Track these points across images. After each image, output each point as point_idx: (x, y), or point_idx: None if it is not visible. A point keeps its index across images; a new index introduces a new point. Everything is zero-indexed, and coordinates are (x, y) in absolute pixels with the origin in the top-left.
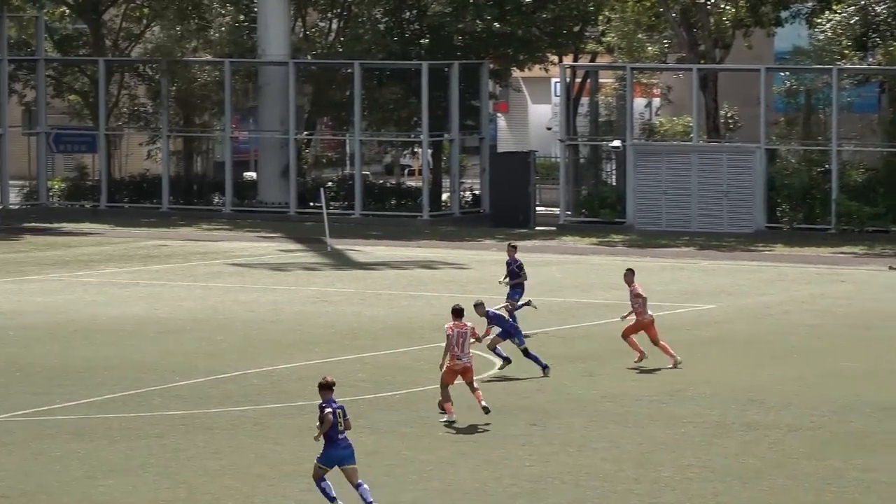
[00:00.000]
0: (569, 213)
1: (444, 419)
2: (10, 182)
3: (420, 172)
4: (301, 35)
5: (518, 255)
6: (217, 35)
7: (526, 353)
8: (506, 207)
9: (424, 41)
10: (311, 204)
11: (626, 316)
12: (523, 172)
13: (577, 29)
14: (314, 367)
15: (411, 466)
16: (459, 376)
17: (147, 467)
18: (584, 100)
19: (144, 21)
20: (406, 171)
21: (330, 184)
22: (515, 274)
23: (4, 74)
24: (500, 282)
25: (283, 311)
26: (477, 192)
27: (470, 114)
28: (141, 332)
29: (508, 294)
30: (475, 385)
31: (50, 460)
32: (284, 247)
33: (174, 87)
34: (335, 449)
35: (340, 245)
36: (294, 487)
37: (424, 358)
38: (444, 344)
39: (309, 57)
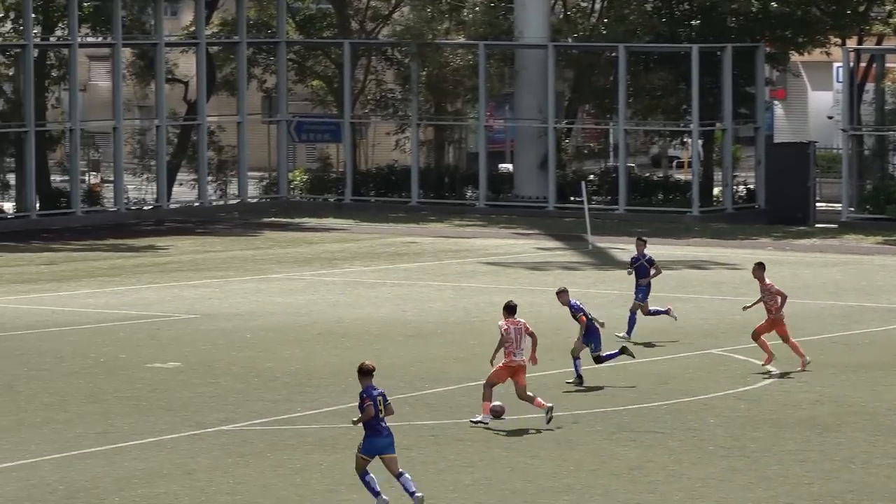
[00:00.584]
0: (852, 209)
1: (478, 419)
2: (249, 174)
3: (689, 165)
4: (561, 16)
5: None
6: (471, 16)
7: (598, 359)
8: (783, 203)
9: (695, 22)
10: (572, 199)
11: (750, 307)
12: (802, 165)
13: (861, 9)
14: (573, 375)
15: (678, 483)
16: (510, 378)
17: (394, 481)
18: (869, 86)
19: (393, 1)
20: (674, 164)
21: (592, 177)
22: (644, 270)
23: (243, 58)
24: (628, 273)
25: (541, 314)
26: (751, 187)
27: (744, 101)
28: (388, 336)
29: (636, 292)
30: (527, 391)
31: (290, 472)
32: (542, 244)
33: (424, 72)
34: (378, 437)
35: (602, 243)
36: None
37: (694, 366)
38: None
39: (570, 39)
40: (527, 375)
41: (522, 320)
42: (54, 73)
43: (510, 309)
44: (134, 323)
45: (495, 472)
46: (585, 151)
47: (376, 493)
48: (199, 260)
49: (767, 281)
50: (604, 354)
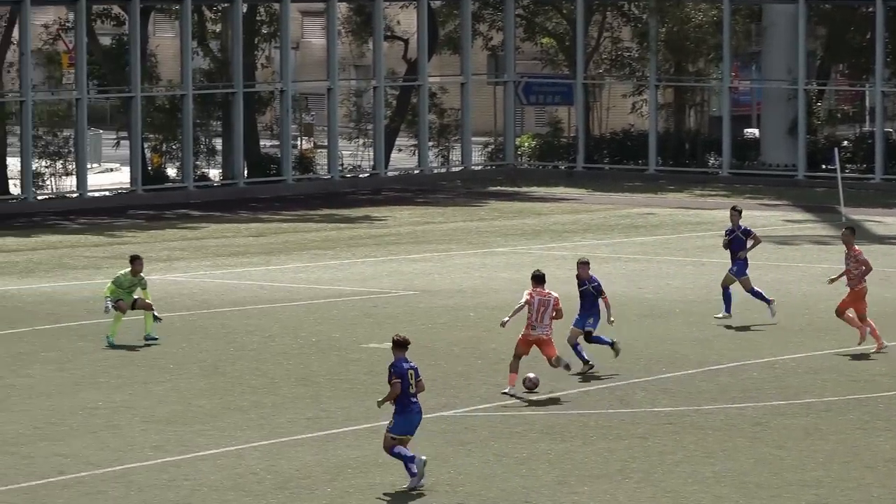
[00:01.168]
0: None
1: (506, 391)
2: (473, 139)
3: None
4: None
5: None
6: None
7: (589, 337)
8: None
9: None
10: (823, 167)
11: (835, 280)
12: None
13: None
14: (823, 359)
15: None
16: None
17: (628, 472)
18: None
19: None
20: None
21: (845, 143)
22: (740, 243)
23: (468, 14)
24: (724, 246)
25: (789, 293)
26: None
27: None
28: (623, 315)
29: (731, 267)
30: (556, 359)
31: (516, 462)
32: (791, 216)
33: (664, 29)
34: (409, 415)
35: (857, 215)
36: (800, 499)
37: None
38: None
39: None
40: None
41: (555, 294)
42: (264, 30)
43: (538, 279)
44: (348, 300)
45: (737, 463)
46: (839, 115)
47: (410, 458)
48: (418, 232)
49: (856, 248)
50: (596, 335)
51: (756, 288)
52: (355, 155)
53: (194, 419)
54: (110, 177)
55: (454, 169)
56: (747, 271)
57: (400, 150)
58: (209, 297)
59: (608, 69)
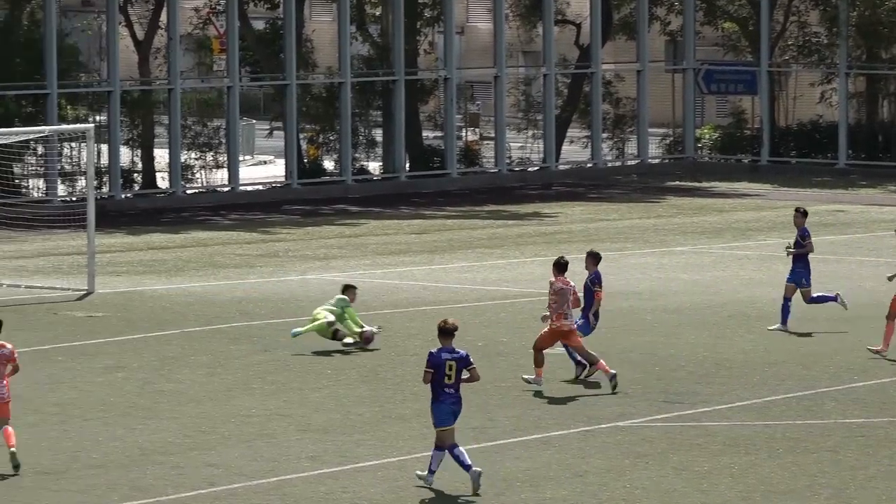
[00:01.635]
0: None
1: (529, 377)
2: (650, 130)
3: None
4: None
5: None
6: None
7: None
8: None
9: None
10: None
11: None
12: None
13: None
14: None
15: None
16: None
17: (816, 488)
18: None
19: None
20: None
21: None
22: (799, 245)
23: None
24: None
25: None
26: None
27: None
28: (812, 319)
29: (790, 273)
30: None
31: (696, 477)
32: None
33: (855, 13)
34: (441, 405)
35: None
36: None
37: None
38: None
39: None
40: None
41: (573, 284)
42: (427, 14)
43: (560, 266)
44: (516, 301)
45: None
46: None
47: (467, 467)
48: (591, 229)
49: None
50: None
51: (815, 295)
52: (524, 147)
53: (353, 428)
54: (263, 170)
55: (629, 162)
56: (802, 278)
57: (571, 143)
58: (368, 299)
59: (795, 56)
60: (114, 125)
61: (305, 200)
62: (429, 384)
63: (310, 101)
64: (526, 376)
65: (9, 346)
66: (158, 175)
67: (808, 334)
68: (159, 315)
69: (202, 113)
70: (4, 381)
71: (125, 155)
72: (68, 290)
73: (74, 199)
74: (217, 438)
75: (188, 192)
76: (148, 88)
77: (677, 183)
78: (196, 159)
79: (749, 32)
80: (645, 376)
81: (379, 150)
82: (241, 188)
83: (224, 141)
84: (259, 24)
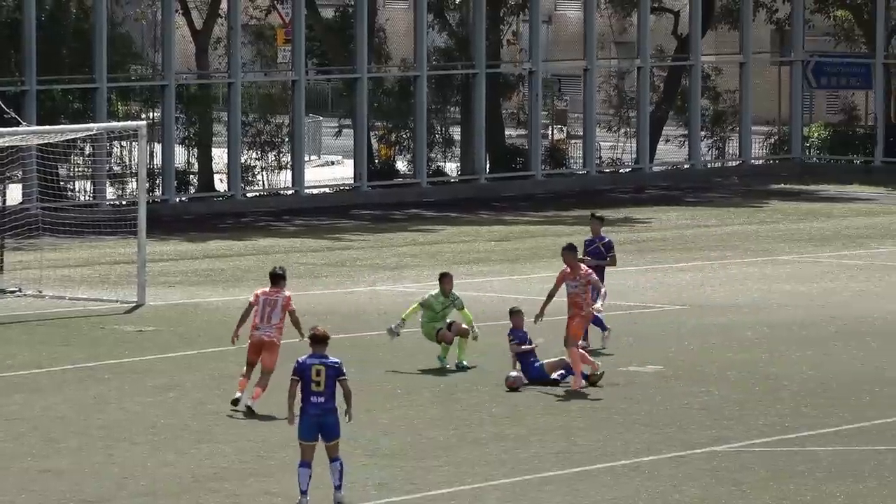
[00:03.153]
0: None
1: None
2: (753, 128)
3: None
4: None
5: None
6: None
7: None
8: None
9: None
10: None
11: None
12: None
13: None
14: None
15: None
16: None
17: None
18: None
19: None
20: None
21: None
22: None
23: None
24: None
25: None
26: None
27: None
28: None
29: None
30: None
31: None
32: None
33: None
34: (305, 416)
35: None
36: None
37: None
38: None
39: None
40: None
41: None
42: (511, 1)
43: (569, 248)
44: (606, 315)
45: None
46: None
47: (301, 492)
48: (688, 236)
49: None
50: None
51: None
52: (615, 147)
53: (425, 453)
54: (331, 171)
55: (730, 163)
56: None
57: (667, 142)
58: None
59: None
60: (168, 122)
61: (376, 204)
62: (294, 397)
63: (382, 97)
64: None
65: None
66: (216, 177)
67: None
68: (215, 329)
69: (264, 109)
70: None
71: (180, 155)
72: (116, 302)
73: (124, 202)
74: (276, 464)
75: (248, 195)
76: (206, 82)
77: (782, 186)
78: (257, 160)
79: (864, 21)
80: (745, 397)
81: (457, 150)
82: (307, 191)
83: (288, 140)
84: (327, 13)
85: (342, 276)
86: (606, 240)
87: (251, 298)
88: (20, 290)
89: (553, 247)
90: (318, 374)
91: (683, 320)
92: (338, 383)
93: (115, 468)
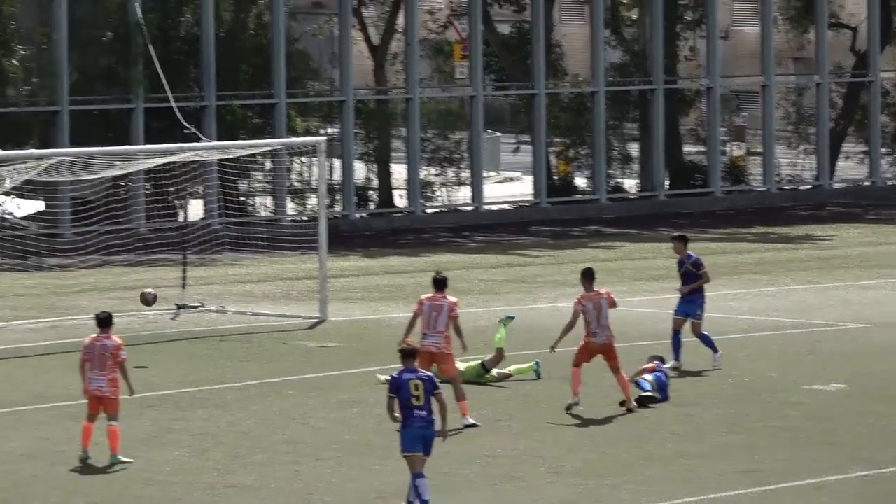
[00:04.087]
0: None
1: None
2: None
3: None
4: None
5: None
6: None
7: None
8: None
9: None
10: None
11: None
12: None
13: None
14: None
15: None
16: (601, 356)
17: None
18: None
19: None
20: None
21: None
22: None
23: None
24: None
25: None
26: None
27: None
28: None
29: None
30: (621, 370)
31: None
32: None
33: None
34: (409, 429)
35: None
36: None
37: None
38: None
39: None
40: None
41: (605, 290)
42: (688, 17)
43: (586, 274)
44: (787, 333)
45: None
46: None
47: (424, 502)
48: (869, 254)
49: None
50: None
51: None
52: (794, 163)
53: (609, 470)
54: (510, 187)
55: None
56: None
57: (847, 158)
58: (626, 329)
59: None
60: (347, 138)
61: (555, 221)
62: (393, 412)
63: (560, 113)
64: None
65: (116, 339)
66: (396, 192)
67: None
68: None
69: (443, 125)
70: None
71: (360, 170)
72: (299, 317)
73: (305, 218)
74: (460, 481)
75: (428, 211)
76: (384, 98)
77: None
78: (436, 175)
79: None
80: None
81: (635, 166)
82: (486, 207)
83: (467, 156)
84: (504, 28)
85: (522, 292)
86: (693, 258)
87: (415, 307)
88: (203, 306)
89: (733, 264)
90: (416, 388)
91: (867, 338)
92: (433, 397)
93: (300, 484)
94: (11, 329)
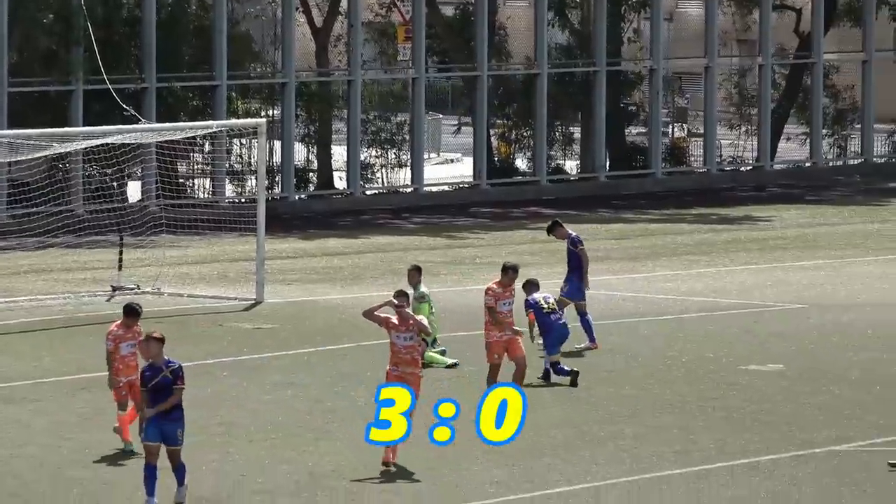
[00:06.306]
0: None
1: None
2: (876, 126)
3: None
4: None
5: None
6: None
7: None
8: None
9: None
10: None
11: None
12: None
13: None
14: None
15: None
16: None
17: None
18: None
19: None
20: None
21: None
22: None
23: None
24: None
25: None
26: None
27: None
28: None
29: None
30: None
31: None
32: None
33: None
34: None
35: None
36: None
37: None
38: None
39: None
40: None
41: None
42: None
43: (507, 270)
44: (725, 314)
45: None
46: None
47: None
48: (808, 235)
49: None
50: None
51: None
52: (736, 145)
53: (543, 452)
54: (450, 169)
55: (852, 161)
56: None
57: (788, 140)
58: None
59: None
60: (288, 120)
61: (495, 202)
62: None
63: (502, 94)
64: None
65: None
66: (336, 175)
67: None
68: (334, 327)
69: (384, 107)
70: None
71: (300, 153)
72: (235, 299)
73: (243, 200)
74: (397, 464)
75: (368, 193)
76: (326, 80)
77: None
78: (377, 157)
79: None
80: (865, 397)
81: (576, 148)
82: (426, 189)
83: (408, 138)
84: (448, 10)
85: (461, 274)
86: (573, 236)
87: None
88: (138, 288)
89: (673, 245)
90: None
91: (804, 319)
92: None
93: (233, 466)
94: None
